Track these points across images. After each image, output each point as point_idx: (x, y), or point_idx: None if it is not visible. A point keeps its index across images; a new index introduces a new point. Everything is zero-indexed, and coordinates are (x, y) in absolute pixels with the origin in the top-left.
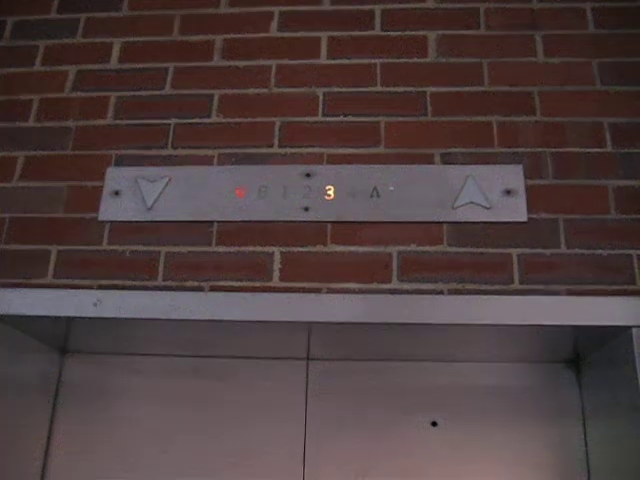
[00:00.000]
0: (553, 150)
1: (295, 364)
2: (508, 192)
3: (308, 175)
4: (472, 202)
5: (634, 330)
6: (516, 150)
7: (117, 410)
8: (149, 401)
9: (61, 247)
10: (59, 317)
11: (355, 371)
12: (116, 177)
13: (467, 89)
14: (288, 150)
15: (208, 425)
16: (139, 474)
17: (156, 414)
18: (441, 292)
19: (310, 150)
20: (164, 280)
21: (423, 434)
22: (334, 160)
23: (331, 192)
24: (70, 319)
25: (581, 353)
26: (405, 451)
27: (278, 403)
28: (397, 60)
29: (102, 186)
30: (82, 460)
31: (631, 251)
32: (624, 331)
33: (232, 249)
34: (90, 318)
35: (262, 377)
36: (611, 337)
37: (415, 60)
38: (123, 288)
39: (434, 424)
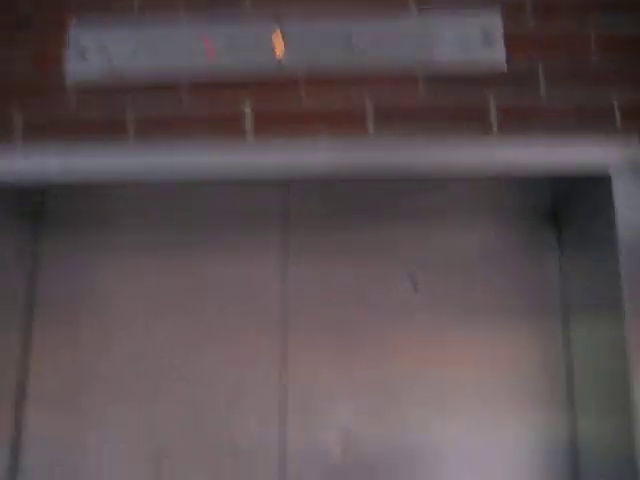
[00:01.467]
0: None
1: (275, 226)
2: (486, 38)
3: (279, 27)
4: (449, 49)
5: (613, 174)
6: None
7: (98, 289)
8: (127, 277)
9: (27, 113)
10: (28, 186)
11: (334, 229)
12: (81, 39)
13: None
14: (258, 1)
15: (189, 300)
16: (124, 357)
17: (135, 291)
18: (419, 142)
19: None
20: (135, 140)
21: (404, 297)
22: (306, 10)
23: (303, 44)
24: (41, 189)
25: (561, 207)
26: (385, 315)
27: (259, 271)
28: None
29: (67, 48)
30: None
31: (612, 94)
32: (604, 175)
33: (203, 106)
34: (61, 184)
35: (242, 244)
36: (591, 186)
37: None
38: (93, 151)
39: (413, 287)
